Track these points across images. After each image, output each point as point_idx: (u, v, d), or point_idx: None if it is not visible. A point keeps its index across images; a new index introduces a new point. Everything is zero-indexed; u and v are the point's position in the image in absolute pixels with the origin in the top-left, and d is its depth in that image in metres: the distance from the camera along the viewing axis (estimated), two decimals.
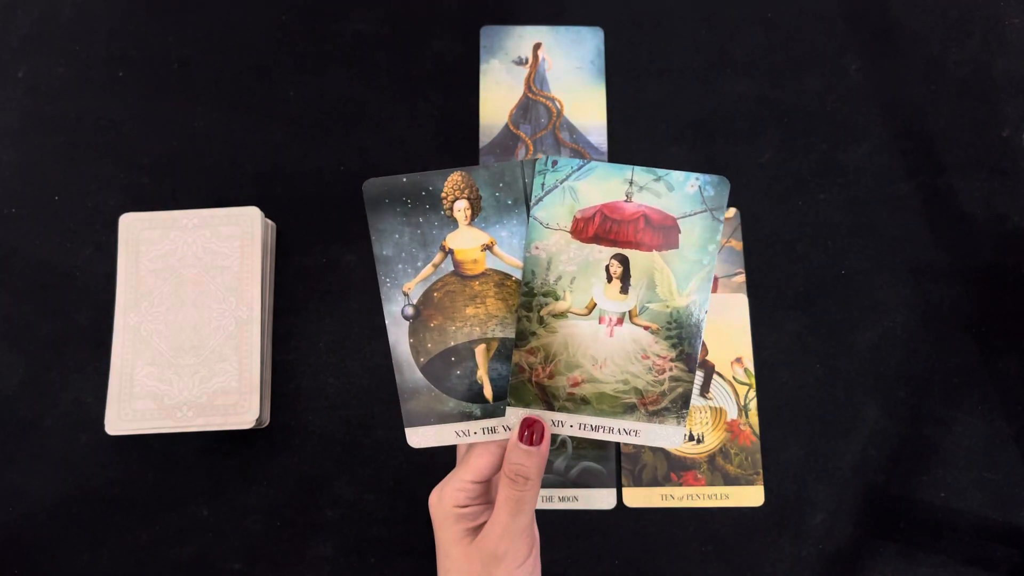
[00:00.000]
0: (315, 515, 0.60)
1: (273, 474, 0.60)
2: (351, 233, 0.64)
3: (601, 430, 0.43)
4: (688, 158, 0.66)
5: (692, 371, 0.43)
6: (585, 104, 0.68)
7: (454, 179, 0.43)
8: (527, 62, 0.68)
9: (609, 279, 0.43)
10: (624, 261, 0.43)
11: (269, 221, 0.63)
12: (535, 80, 0.68)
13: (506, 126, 0.67)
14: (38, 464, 0.60)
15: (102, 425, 0.59)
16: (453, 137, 0.67)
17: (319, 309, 0.63)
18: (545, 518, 0.60)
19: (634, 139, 0.67)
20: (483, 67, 0.68)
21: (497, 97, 0.68)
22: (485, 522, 0.41)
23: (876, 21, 0.70)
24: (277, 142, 0.67)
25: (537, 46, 0.69)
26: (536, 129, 0.67)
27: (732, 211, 0.65)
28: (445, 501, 0.42)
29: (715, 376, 0.62)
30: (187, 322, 0.59)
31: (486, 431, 0.44)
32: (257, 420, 0.58)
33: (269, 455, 0.61)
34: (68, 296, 0.63)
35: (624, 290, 0.43)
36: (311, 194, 0.65)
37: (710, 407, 0.62)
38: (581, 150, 0.66)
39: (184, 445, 0.61)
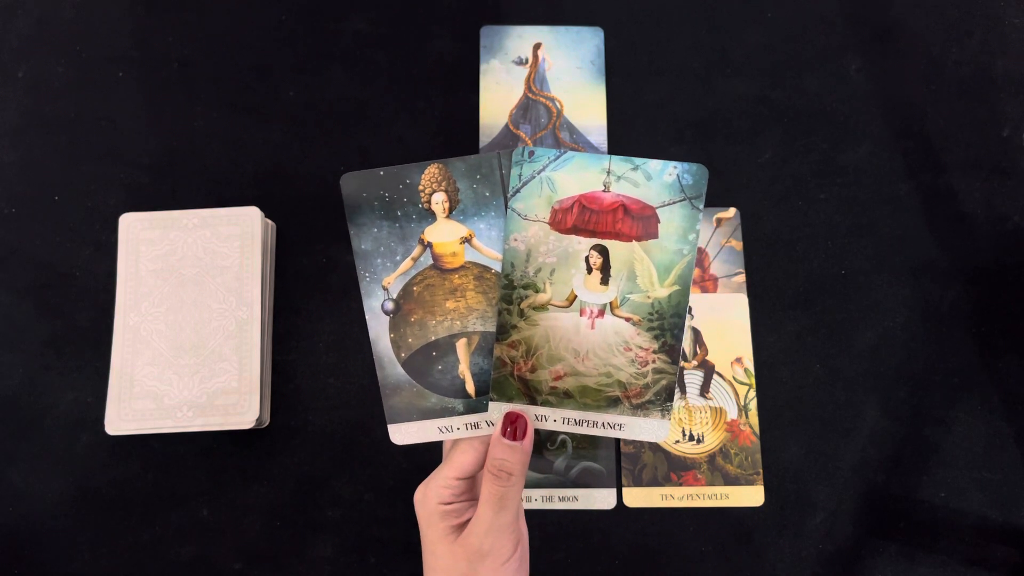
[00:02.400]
0: (315, 515, 0.60)
1: (273, 474, 0.60)
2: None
3: (585, 424, 0.43)
4: (688, 158, 0.66)
5: (675, 363, 0.42)
6: (585, 104, 0.68)
7: (431, 172, 0.43)
8: (527, 62, 0.68)
9: (589, 270, 0.42)
10: (604, 252, 0.42)
11: (269, 221, 0.63)
12: (535, 80, 0.68)
13: (506, 126, 0.67)
14: (38, 464, 0.60)
15: (102, 425, 0.59)
16: (453, 137, 0.67)
17: (319, 309, 0.63)
18: (545, 518, 0.60)
19: (634, 139, 0.67)
20: (483, 67, 0.68)
21: (497, 97, 0.68)
22: (470, 519, 0.41)
23: (876, 21, 0.70)
24: (277, 142, 0.67)
25: (537, 46, 0.69)
26: (536, 129, 0.67)
27: (732, 211, 0.65)
28: (430, 499, 0.42)
29: (715, 376, 0.62)
30: (187, 322, 0.59)
31: (469, 427, 0.43)
32: (257, 420, 0.58)
33: (269, 455, 0.61)
34: (68, 296, 0.63)
35: (604, 281, 0.42)
36: (311, 194, 0.65)
37: (710, 407, 0.62)
38: (581, 150, 0.66)
39: (184, 445, 0.61)
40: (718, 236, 0.65)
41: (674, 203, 0.42)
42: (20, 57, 0.68)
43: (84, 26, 0.69)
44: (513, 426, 0.41)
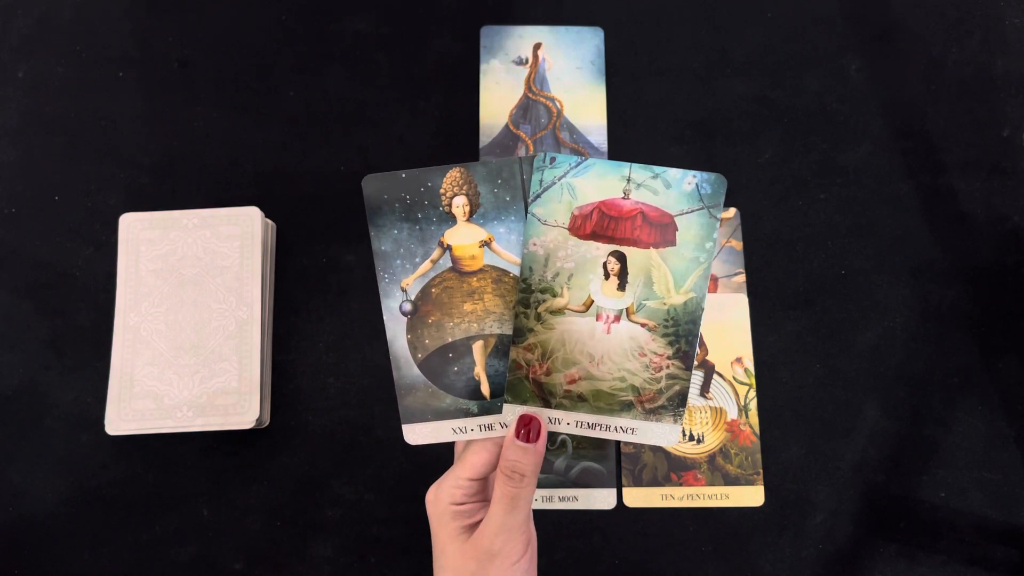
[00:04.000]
0: (315, 515, 0.60)
1: (273, 474, 0.60)
2: (351, 233, 0.64)
3: (598, 428, 0.43)
4: (688, 158, 0.66)
5: (689, 369, 0.43)
6: (585, 104, 0.68)
7: (453, 175, 0.43)
8: (527, 62, 0.68)
9: (606, 276, 0.43)
10: (621, 258, 0.43)
11: (269, 221, 0.63)
12: (535, 80, 0.68)
13: (506, 126, 0.67)
14: (38, 464, 0.60)
15: (102, 425, 0.59)
16: (453, 137, 0.67)
17: (319, 309, 0.63)
18: (545, 518, 0.60)
19: (634, 139, 0.67)
20: (483, 67, 0.68)
21: (497, 97, 0.68)
22: (481, 520, 0.41)
23: (876, 21, 0.70)
24: (277, 142, 0.67)
25: (537, 46, 0.69)
26: (536, 129, 0.67)
27: (732, 211, 0.65)
28: (442, 499, 0.42)
29: (715, 376, 0.62)
30: (187, 322, 0.59)
31: (483, 428, 0.43)
32: (257, 420, 0.58)
33: (269, 455, 0.61)
34: (68, 296, 0.63)
35: (621, 287, 0.43)
36: (311, 194, 0.65)
37: (710, 407, 0.62)
38: (581, 150, 0.67)
39: (184, 445, 0.61)
40: (718, 236, 0.65)
41: (692, 212, 0.43)
42: (20, 57, 0.68)
43: (84, 26, 0.69)
44: (527, 428, 0.42)
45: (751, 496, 0.60)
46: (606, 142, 0.67)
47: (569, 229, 0.43)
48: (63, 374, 0.62)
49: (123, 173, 0.66)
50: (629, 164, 0.43)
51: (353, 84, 0.68)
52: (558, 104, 0.68)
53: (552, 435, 0.61)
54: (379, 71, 0.68)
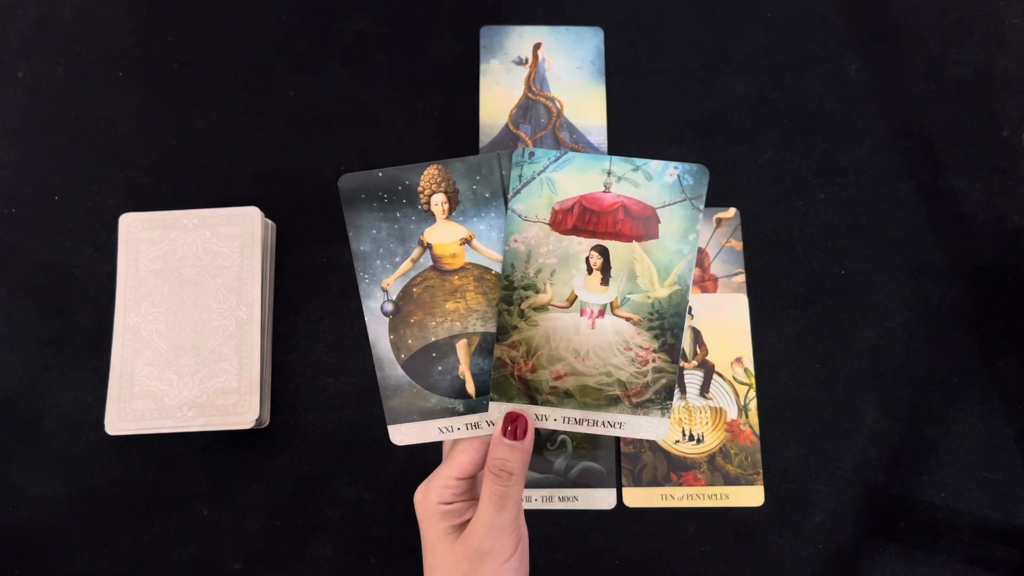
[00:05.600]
0: (315, 515, 0.60)
1: (273, 474, 0.60)
2: None
3: (585, 423, 0.43)
4: (688, 158, 0.66)
5: (675, 362, 0.43)
6: (585, 104, 0.68)
7: (430, 173, 0.43)
8: (527, 62, 0.68)
9: (589, 271, 0.43)
10: (604, 252, 0.42)
11: (269, 221, 0.63)
12: (535, 80, 0.68)
13: (506, 126, 0.67)
14: (38, 464, 0.60)
15: (102, 425, 0.59)
16: (453, 137, 0.67)
17: (319, 309, 0.63)
18: (545, 518, 0.60)
19: (634, 139, 0.67)
20: (483, 67, 0.68)
21: (497, 97, 0.68)
22: (470, 519, 0.41)
23: (876, 21, 0.70)
24: (277, 142, 0.67)
25: (537, 46, 0.69)
26: (536, 129, 0.67)
27: (732, 211, 0.65)
28: (430, 498, 0.42)
29: (715, 376, 0.62)
30: (187, 322, 0.59)
31: (469, 427, 0.43)
32: (257, 420, 0.58)
33: (269, 455, 0.61)
34: (68, 296, 0.63)
35: (605, 282, 0.43)
36: (311, 194, 0.65)
37: (710, 407, 0.62)
38: (581, 150, 0.66)
39: (184, 445, 0.61)
40: (718, 236, 0.65)
41: (674, 204, 0.42)
42: (20, 57, 0.68)
43: (84, 26, 0.69)
44: (513, 425, 0.41)
45: (751, 496, 0.60)
46: (606, 142, 0.67)
47: (550, 224, 0.43)
48: (63, 374, 0.62)
49: (123, 173, 0.66)
50: (609, 157, 0.42)
51: (353, 84, 0.68)
52: (558, 104, 0.68)
53: (552, 435, 0.61)
54: (379, 71, 0.68)
